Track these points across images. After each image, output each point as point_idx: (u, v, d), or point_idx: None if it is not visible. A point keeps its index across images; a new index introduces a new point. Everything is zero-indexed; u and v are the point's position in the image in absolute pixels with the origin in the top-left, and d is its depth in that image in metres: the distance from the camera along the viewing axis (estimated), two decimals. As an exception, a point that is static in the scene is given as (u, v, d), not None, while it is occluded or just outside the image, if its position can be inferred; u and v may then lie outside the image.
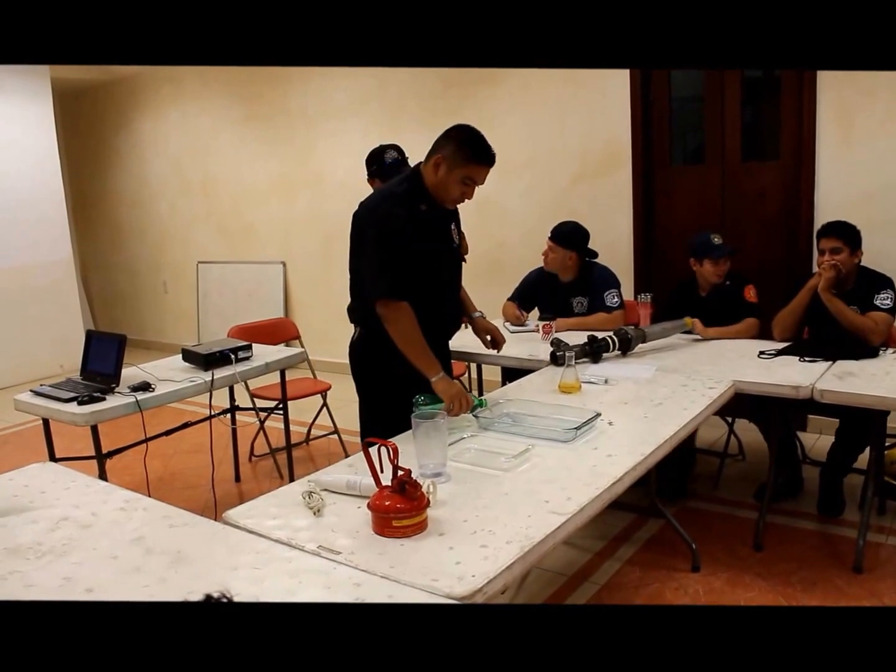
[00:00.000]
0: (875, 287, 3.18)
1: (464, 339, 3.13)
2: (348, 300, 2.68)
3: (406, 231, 2.43)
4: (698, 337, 3.35)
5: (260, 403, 4.07)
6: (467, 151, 2.45)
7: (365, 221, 2.52)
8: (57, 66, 6.50)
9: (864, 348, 3.00)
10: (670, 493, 3.41)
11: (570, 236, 3.73)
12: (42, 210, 6.61)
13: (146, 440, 3.29)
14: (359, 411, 2.75)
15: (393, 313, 2.44)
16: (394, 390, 2.48)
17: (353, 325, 2.71)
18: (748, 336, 3.37)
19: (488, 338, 2.88)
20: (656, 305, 3.67)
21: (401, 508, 1.64)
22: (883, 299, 3.14)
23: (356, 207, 2.60)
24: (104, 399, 2.87)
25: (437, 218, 2.59)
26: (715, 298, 3.52)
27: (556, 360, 3.02)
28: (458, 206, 3.35)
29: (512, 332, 3.70)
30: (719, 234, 3.50)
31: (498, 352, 2.92)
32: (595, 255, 3.78)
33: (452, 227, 2.70)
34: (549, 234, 3.77)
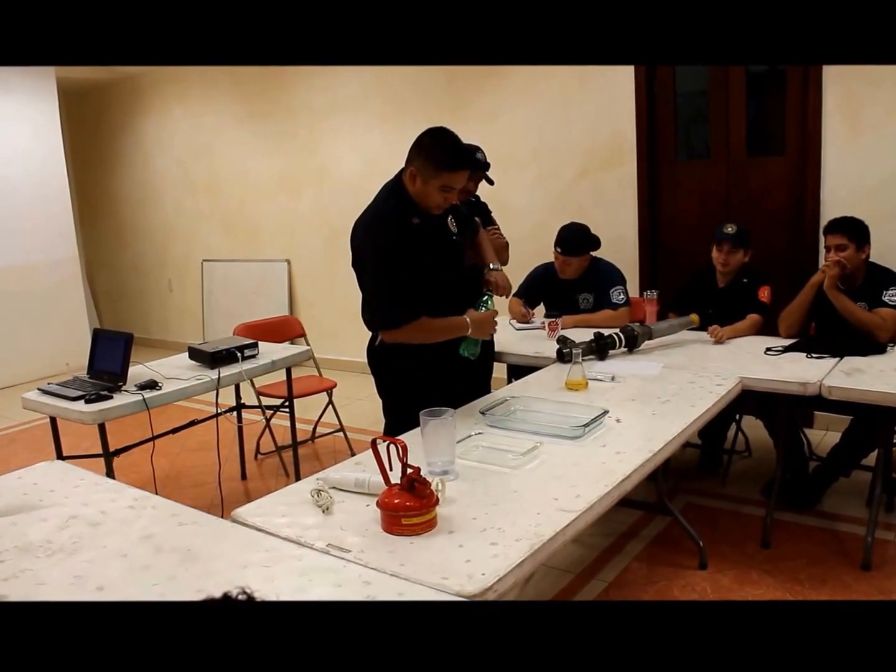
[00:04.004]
0: (883, 283, 3.16)
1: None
2: (353, 297, 2.68)
3: (402, 255, 2.43)
4: (705, 334, 3.33)
5: (266, 401, 4.06)
6: (437, 161, 2.40)
7: (361, 248, 2.53)
8: (62, 66, 6.49)
9: (871, 345, 2.99)
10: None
11: (580, 245, 3.71)
12: (48, 209, 6.62)
13: (153, 438, 3.29)
14: (383, 414, 2.76)
15: (407, 335, 2.50)
16: (418, 393, 2.44)
17: (370, 331, 2.69)
18: (752, 332, 3.36)
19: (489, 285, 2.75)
20: (662, 301, 3.66)
21: (410, 506, 1.63)
22: (891, 295, 3.12)
23: (361, 207, 2.58)
24: (111, 397, 2.88)
25: (431, 224, 2.55)
26: (730, 293, 3.51)
27: (562, 357, 3.02)
28: (481, 200, 3.37)
29: (518, 330, 3.69)
30: (736, 225, 3.48)
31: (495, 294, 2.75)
32: (599, 242, 3.76)
33: (450, 219, 2.65)
34: (559, 248, 3.71)
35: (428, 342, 2.54)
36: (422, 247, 2.48)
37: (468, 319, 2.52)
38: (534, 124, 4.86)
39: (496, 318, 2.65)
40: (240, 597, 0.82)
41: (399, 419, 2.56)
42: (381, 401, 2.79)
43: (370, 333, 2.71)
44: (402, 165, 2.52)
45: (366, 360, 2.76)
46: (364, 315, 2.61)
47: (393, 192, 2.53)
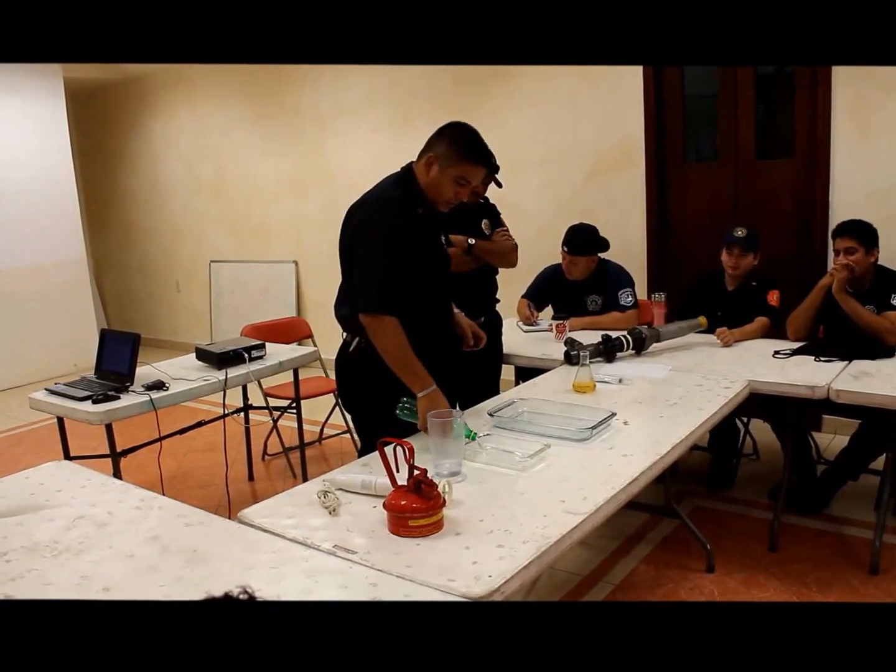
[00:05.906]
0: (892, 286, 3.15)
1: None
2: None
3: (405, 241, 2.31)
4: (713, 337, 3.32)
5: (273, 402, 4.07)
6: (460, 150, 2.33)
7: (362, 230, 2.36)
8: (70, 66, 6.52)
9: (880, 348, 2.98)
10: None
11: (587, 245, 3.70)
12: (55, 210, 6.65)
13: (160, 439, 3.30)
14: (357, 431, 2.60)
15: (380, 327, 2.28)
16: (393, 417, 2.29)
17: (347, 333, 2.48)
18: (760, 335, 3.35)
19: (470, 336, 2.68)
20: (670, 304, 3.65)
21: (417, 508, 1.63)
22: (900, 298, 3.11)
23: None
24: (119, 398, 2.89)
25: (432, 221, 2.46)
26: (740, 296, 3.50)
27: (570, 359, 3.01)
28: (490, 202, 3.34)
29: (525, 332, 3.69)
30: (746, 228, 3.48)
31: (475, 346, 2.69)
32: (607, 244, 3.75)
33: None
34: (566, 248, 3.71)
35: (388, 353, 2.29)
36: (422, 239, 2.39)
37: (433, 387, 2.26)
38: (542, 127, 4.85)
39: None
40: (241, 596, 0.81)
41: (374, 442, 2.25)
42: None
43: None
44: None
45: None
46: (340, 310, 2.45)
47: (401, 181, 2.42)
